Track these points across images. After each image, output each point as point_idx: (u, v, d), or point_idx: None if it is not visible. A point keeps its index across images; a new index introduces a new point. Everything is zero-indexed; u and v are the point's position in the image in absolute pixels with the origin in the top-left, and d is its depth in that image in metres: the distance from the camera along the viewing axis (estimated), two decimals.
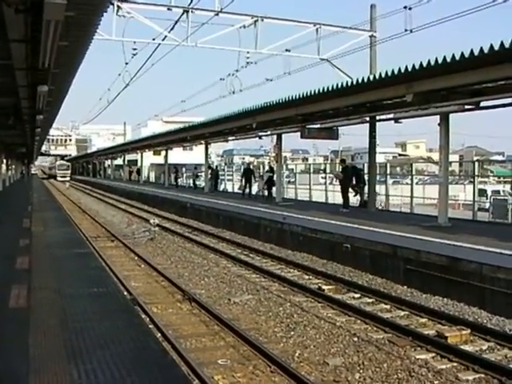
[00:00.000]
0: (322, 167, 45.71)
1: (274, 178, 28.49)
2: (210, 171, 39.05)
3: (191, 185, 49.64)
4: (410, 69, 13.43)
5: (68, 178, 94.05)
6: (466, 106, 15.40)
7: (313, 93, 17.80)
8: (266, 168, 35.75)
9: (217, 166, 51.26)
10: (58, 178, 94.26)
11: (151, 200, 39.16)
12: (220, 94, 26.63)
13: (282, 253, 18.13)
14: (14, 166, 70.21)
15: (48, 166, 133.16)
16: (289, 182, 39.19)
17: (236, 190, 44.00)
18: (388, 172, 28.15)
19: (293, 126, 23.82)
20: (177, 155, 55.49)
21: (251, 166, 40.19)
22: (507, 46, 10.80)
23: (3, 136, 30.92)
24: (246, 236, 21.95)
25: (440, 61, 12.44)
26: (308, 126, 22.39)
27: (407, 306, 11.32)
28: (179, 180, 52.29)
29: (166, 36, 19.93)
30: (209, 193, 35.40)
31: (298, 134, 22.95)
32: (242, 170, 38.70)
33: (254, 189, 34.74)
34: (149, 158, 63.05)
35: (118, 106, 66.09)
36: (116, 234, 22.35)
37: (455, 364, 8.27)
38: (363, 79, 15.49)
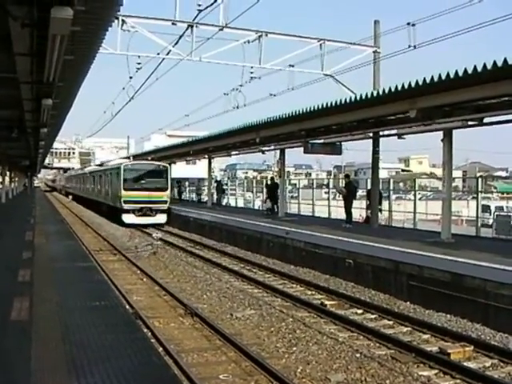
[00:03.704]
0: (325, 182, 45.74)
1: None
2: (216, 185, 38.81)
3: (194, 199, 49.65)
4: (413, 85, 13.48)
5: (164, 219, 33.60)
6: (470, 122, 15.46)
7: (316, 108, 17.85)
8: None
9: (220, 180, 51.37)
10: (133, 220, 32.74)
11: None
12: (224, 108, 26.74)
13: (284, 268, 18.08)
14: (17, 179, 70.36)
15: (67, 174, 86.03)
16: (292, 197, 39.20)
17: (240, 205, 44.04)
18: (391, 187, 28.16)
19: (296, 141, 23.91)
20: (180, 169, 55.54)
21: (276, 180, 31.96)
22: (510, 62, 10.85)
23: (7, 148, 31.04)
24: (249, 251, 21.92)
25: (443, 77, 12.49)
26: (311, 141, 22.44)
27: (410, 322, 11.25)
28: (183, 194, 52.34)
29: (170, 50, 20.03)
30: (212, 207, 35.38)
31: (301, 149, 23.00)
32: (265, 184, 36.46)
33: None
34: None
35: (122, 119, 66.93)
36: (118, 248, 22.33)
37: (458, 381, 8.21)
38: (366, 95, 15.54)
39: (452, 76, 12.24)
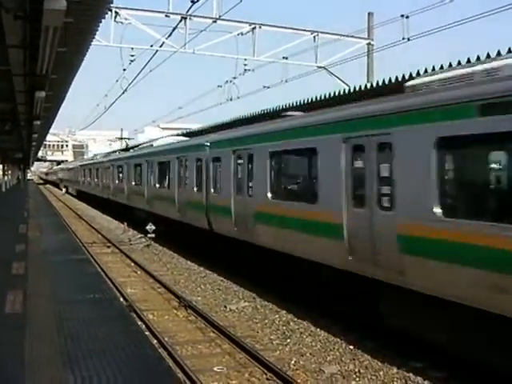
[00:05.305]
0: None
1: None
2: None
3: None
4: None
5: None
6: None
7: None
8: None
9: None
10: None
11: None
12: (217, 100, 26.60)
13: None
14: (10, 172, 70.11)
15: (74, 163, 64.00)
16: None
17: None
18: None
19: None
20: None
21: None
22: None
23: (0, 141, 30.90)
24: None
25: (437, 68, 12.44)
26: None
27: None
28: None
29: (163, 42, 19.91)
30: None
31: None
32: None
33: None
34: None
35: (115, 111, 66.48)
36: (112, 240, 22.30)
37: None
38: (360, 87, 15.49)
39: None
